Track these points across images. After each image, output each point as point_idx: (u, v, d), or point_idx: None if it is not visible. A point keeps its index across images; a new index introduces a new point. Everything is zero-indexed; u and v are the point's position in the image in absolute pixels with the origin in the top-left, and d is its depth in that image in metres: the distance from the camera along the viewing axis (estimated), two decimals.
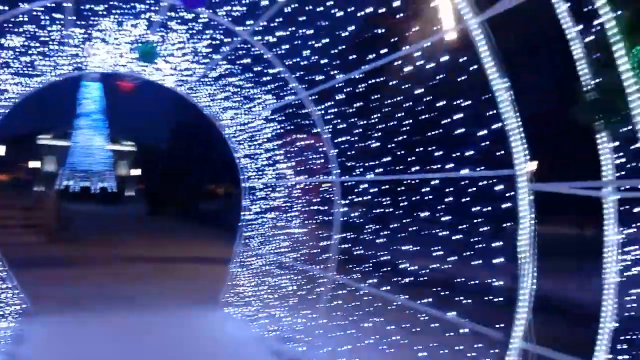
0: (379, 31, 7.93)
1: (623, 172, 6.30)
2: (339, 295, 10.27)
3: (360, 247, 10.89)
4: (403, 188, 10.50)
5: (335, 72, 8.99)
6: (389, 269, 10.97)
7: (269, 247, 13.78)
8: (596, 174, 6.42)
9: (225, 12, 9.60)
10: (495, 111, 6.62)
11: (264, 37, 9.92)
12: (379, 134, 9.20)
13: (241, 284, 14.70)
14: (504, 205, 6.50)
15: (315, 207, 11.93)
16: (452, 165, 7.46)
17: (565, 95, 5.84)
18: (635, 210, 6.14)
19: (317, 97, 10.46)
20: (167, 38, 11.00)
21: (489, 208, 7.57)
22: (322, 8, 7.86)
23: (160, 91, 15.49)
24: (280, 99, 11.75)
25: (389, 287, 8.85)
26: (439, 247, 9.99)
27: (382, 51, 7.46)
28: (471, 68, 6.50)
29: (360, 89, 8.95)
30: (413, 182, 9.69)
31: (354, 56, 8.15)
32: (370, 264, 11.03)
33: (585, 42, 6.36)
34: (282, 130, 12.69)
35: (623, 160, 6.31)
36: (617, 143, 6.35)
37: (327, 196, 11.12)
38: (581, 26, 6.50)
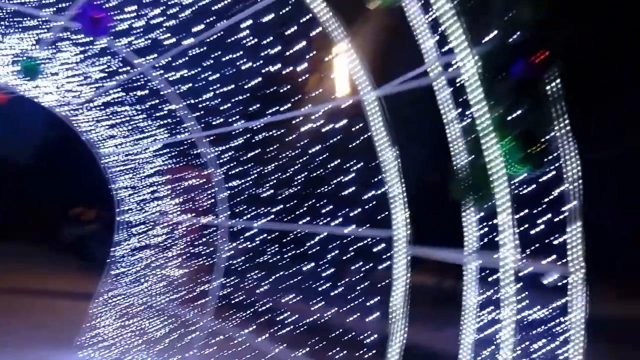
0: (283, 88, 8.28)
1: (484, 242, 7.10)
2: (213, 342, 9.92)
3: (242, 294, 10.74)
4: (290, 238, 10.72)
5: (235, 118, 9.09)
6: (268, 317, 10.91)
7: (140, 286, 12.94)
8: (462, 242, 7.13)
9: (127, 42, 9.29)
10: (381, 176, 7.15)
11: (166, 73, 9.74)
12: (272, 183, 9.39)
13: (103, 325, 13.50)
14: (383, 265, 6.93)
15: (198, 249, 11.58)
16: (338, 221, 7.83)
17: (444, 171, 6.54)
18: (493, 277, 6.89)
19: (213, 138, 10.40)
20: (55, 57, 10.26)
21: (370, 265, 8.02)
22: (229, 57, 8.00)
23: (28, 106, 14.21)
24: (173, 135, 11.46)
25: (266, 336, 8.79)
26: (320, 299, 10.23)
27: (284, 107, 7.75)
28: (365, 135, 7.00)
29: (258, 138, 9.13)
30: (300, 233, 9.96)
31: (256, 106, 8.34)
32: (250, 312, 10.88)
33: (463, 125, 7.23)
34: (171, 167, 12.30)
35: (486, 230, 7.11)
36: (480, 215, 7.16)
37: (212, 239, 10.89)
38: (459, 110, 7.38)
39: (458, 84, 6.64)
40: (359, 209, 7.59)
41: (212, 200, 10.82)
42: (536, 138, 5.97)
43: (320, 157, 8.85)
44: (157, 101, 10.85)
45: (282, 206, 9.22)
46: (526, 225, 6.93)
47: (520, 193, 6.40)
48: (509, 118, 5.90)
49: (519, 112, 5.94)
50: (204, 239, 11.62)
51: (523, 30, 5.97)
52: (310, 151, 8.73)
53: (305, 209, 9.27)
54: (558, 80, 6.18)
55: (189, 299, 11.37)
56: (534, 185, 6.68)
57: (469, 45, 6.05)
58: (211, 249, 10.85)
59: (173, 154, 12.12)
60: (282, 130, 9.02)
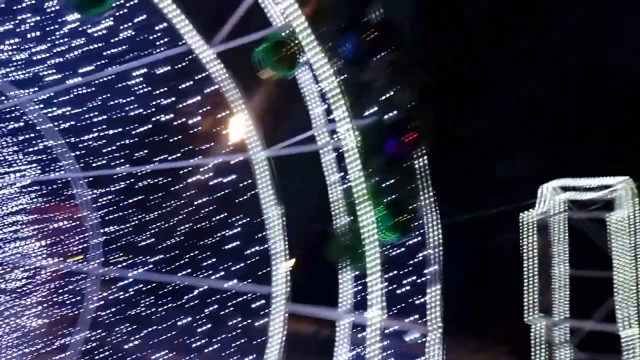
0: (174, 138, 8.39)
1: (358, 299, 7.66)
2: None
3: (108, 349, 10.09)
4: (167, 290, 10.34)
5: (119, 162, 8.94)
6: None
7: None
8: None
9: (3, 72, 8.81)
10: (265, 233, 7.49)
11: (46, 108, 9.32)
12: (153, 231, 9.24)
13: None
14: (260, 321, 7.15)
15: (62, 297, 10.75)
16: (219, 275, 7.95)
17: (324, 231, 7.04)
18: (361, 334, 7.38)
19: (91, 180, 10.00)
20: None
21: (247, 321, 8.16)
22: (117, 101, 8.00)
23: None
24: (46, 172, 10.79)
25: None
26: (194, 356, 9.95)
27: (172, 156, 7.86)
28: (252, 192, 7.32)
29: (142, 185, 9.03)
30: (179, 286, 9.73)
31: (143, 152, 8.34)
32: None
33: (343, 187, 7.89)
34: (39, 206, 11.45)
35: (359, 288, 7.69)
36: (355, 274, 7.74)
37: (79, 287, 10.25)
38: (341, 174, 8.06)
39: (341, 150, 7.30)
40: (241, 264, 7.80)
41: (84, 245, 10.28)
42: (404, 208, 6.79)
43: (206, 210, 8.97)
44: (32, 135, 10.23)
45: (161, 256, 9.07)
46: (394, 286, 7.63)
47: (390, 256, 7.10)
48: (382, 189, 6.67)
49: (390, 184, 6.74)
50: (70, 287, 10.84)
51: (398, 112, 6.86)
52: (196, 202, 8.82)
53: (186, 260, 9.21)
54: (425, 157, 7.12)
55: (46, 353, 10.43)
56: (402, 249, 7.45)
57: (351, 120, 6.78)
58: (78, 297, 10.19)
59: (43, 192, 11.34)
60: (169, 179, 9.03)
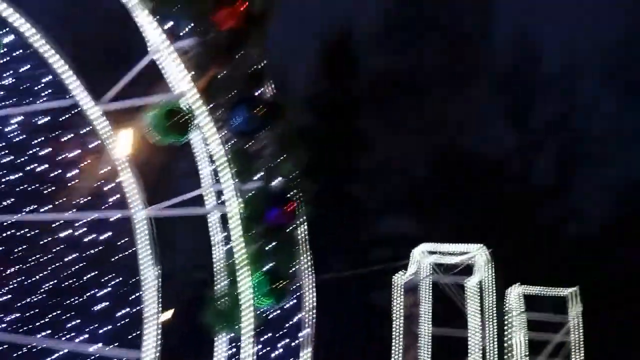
0: (47, 189, 7.95)
1: None
2: None
3: None
4: (23, 353, 9.30)
5: None
6: None
7: None
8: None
9: None
10: (140, 293, 7.33)
11: None
12: (11, 287, 8.51)
13: None
14: None
15: None
16: (84, 337, 7.53)
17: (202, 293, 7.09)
18: None
19: None
20: None
21: None
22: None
23: None
24: None
25: None
26: None
27: (43, 207, 7.50)
28: (128, 251, 7.19)
29: (3, 236, 8.37)
30: (37, 348, 8.83)
31: (9, 202, 7.81)
32: None
33: (225, 250, 8.04)
34: None
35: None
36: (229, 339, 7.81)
37: None
38: (225, 233, 8.21)
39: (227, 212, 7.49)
40: (109, 326, 7.47)
41: None
42: (282, 275, 7.10)
43: (75, 267, 8.50)
44: None
45: (19, 315, 8.34)
46: (267, 349, 7.80)
47: (265, 319, 7.31)
48: (261, 255, 6.95)
49: (269, 250, 7.05)
50: None
51: (281, 181, 7.29)
52: (64, 259, 8.35)
53: (47, 320, 8.54)
54: (305, 225, 7.58)
55: None
56: (277, 312, 7.70)
57: (236, 186, 7.07)
58: None
59: None
60: (36, 232, 8.47)
